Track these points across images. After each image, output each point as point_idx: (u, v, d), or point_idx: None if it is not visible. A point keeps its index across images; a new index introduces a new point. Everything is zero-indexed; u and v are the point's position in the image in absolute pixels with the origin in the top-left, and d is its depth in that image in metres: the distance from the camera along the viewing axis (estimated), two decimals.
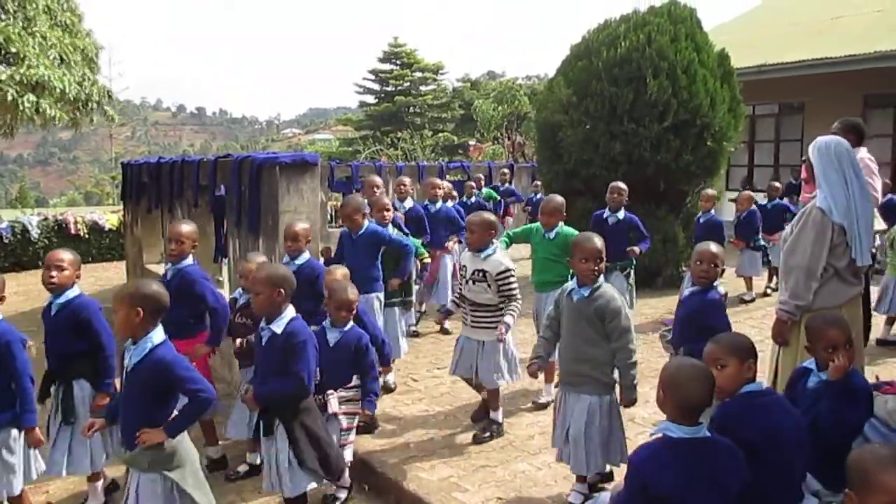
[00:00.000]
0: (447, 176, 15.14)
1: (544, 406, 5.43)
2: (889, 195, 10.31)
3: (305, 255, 5.08)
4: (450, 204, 8.71)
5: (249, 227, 6.18)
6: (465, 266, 4.85)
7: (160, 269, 9.50)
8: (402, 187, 7.71)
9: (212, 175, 7.19)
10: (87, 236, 15.09)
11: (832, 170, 3.84)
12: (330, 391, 4.17)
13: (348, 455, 4.23)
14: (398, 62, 51.97)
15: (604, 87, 9.17)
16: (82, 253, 15.00)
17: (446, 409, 5.51)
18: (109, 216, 15.74)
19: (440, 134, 43.65)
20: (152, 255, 10.20)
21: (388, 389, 5.78)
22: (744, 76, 11.33)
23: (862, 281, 4.00)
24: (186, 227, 4.92)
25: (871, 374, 4.52)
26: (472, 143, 35.41)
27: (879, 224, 5.65)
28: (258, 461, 4.70)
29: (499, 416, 5.01)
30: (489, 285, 4.67)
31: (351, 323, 4.28)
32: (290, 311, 3.78)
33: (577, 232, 5.16)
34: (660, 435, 2.58)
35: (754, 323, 7.62)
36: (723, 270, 4.19)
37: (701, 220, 8.23)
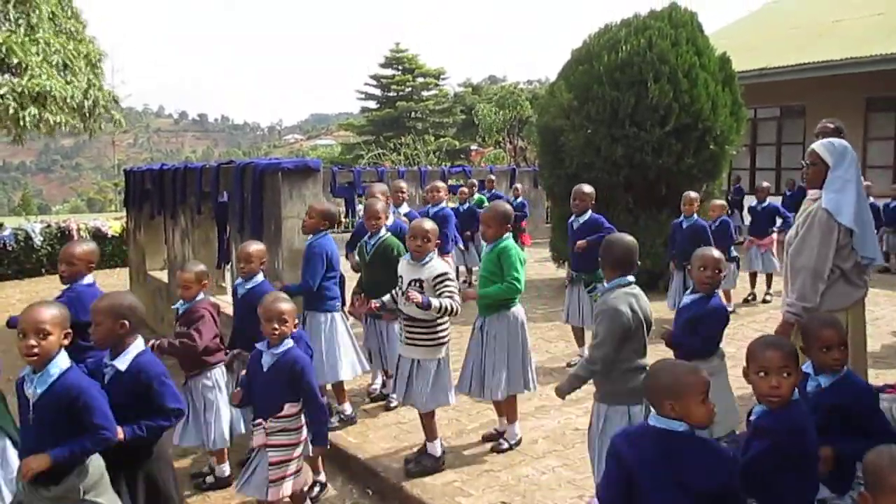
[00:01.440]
0: (449, 181, 15.14)
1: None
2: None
3: (259, 278, 4.85)
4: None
5: (252, 233, 6.20)
6: (401, 276, 4.55)
7: (163, 275, 9.52)
8: (399, 194, 7.13)
9: (214, 181, 7.21)
10: None
11: (846, 172, 3.86)
12: (258, 421, 3.84)
13: (286, 490, 3.84)
14: (400, 67, 52.09)
15: (605, 92, 9.19)
16: None
17: (450, 414, 5.51)
18: (112, 223, 15.77)
19: (442, 139, 43.73)
20: (155, 261, 10.22)
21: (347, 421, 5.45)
22: (745, 79, 11.35)
23: (867, 283, 4.02)
24: (80, 248, 4.40)
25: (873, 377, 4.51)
26: (473, 147, 35.51)
27: None
28: (226, 473, 4.83)
29: (437, 448, 4.60)
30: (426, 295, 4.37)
31: (289, 343, 3.84)
32: (137, 345, 3.37)
33: (513, 247, 4.70)
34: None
35: (758, 326, 7.62)
36: (724, 276, 4.20)
37: (684, 225, 7.63)
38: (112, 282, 13.60)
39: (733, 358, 3.92)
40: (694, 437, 2.53)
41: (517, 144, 26.27)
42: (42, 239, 14.42)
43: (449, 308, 4.33)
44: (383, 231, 5.52)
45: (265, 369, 3.82)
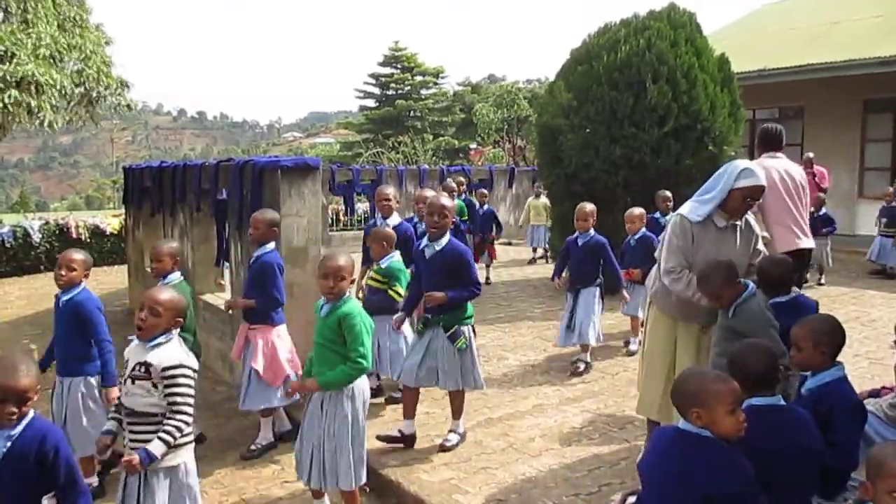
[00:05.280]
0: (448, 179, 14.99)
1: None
2: (823, 209, 10.44)
3: (78, 288, 4.52)
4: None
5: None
6: (126, 358, 3.46)
7: None
8: (384, 202, 6.17)
9: (213, 179, 7.21)
10: (88, 240, 15.10)
11: None
12: None
13: None
14: (399, 66, 52.14)
15: (604, 92, 9.20)
16: None
17: (447, 412, 5.52)
18: (111, 220, 15.76)
19: (441, 138, 43.76)
20: None
21: None
22: (744, 81, 11.37)
23: None
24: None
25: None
26: (472, 146, 35.51)
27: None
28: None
29: None
30: (154, 385, 3.30)
31: (27, 419, 2.80)
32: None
33: (357, 312, 3.84)
34: None
35: None
36: None
37: (632, 243, 7.03)
38: (111, 279, 13.61)
39: None
40: (711, 439, 2.52)
41: (516, 144, 26.33)
42: (41, 236, 14.42)
43: (176, 435, 3.25)
44: (174, 275, 5.05)
45: None
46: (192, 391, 3.33)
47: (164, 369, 3.26)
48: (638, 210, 7.14)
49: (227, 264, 7.52)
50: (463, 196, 10.86)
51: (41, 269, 14.31)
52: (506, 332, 7.91)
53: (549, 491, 4.21)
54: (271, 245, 5.25)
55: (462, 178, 11.38)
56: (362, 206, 16.18)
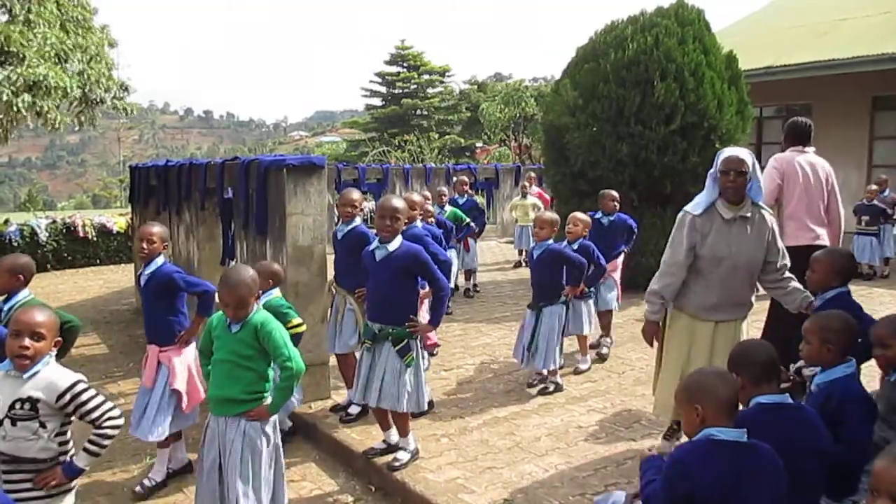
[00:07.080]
0: (453, 178, 14.94)
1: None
2: None
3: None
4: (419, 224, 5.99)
5: (257, 230, 6.21)
6: None
7: None
8: (349, 208, 5.46)
9: (219, 178, 7.21)
10: (95, 239, 15.14)
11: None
12: None
13: None
14: (405, 65, 52.15)
15: (611, 90, 9.17)
16: (90, 256, 15.11)
17: (452, 411, 5.52)
18: (117, 219, 15.80)
19: (447, 136, 43.77)
20: None
21: None
22: (751, 78, 11.31)
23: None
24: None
25: None
26: (479, 145, 35.47)
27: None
28: None
29: None
30: (42, 424, 2.89)
31: None
32: None
33: (269, 319, 3.56)
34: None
35: None
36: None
37: (543, 253, 6.01)
38: (117, 277, 13.65)
39: None
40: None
41: (522, 142, 26.30)
42: (48, 235, 14.48)
43: (105, 445, 3.00)
44: (23, 293, 4.41)
45: None
46: (101, 397, 2.99)
47: (62, 394, 2.89)
48: (582, 215, 6.53)
49: (232, 263, 7.53)
50: (466, 197, 10.59)
51: (48, 268, 14.35)
52: (512, 331, 7.87)
53: (556, 490, 4.19)
54: (161, 259, 4.85)
55: (466, 178, 11.09)
56: (368, 206, 16.19)
